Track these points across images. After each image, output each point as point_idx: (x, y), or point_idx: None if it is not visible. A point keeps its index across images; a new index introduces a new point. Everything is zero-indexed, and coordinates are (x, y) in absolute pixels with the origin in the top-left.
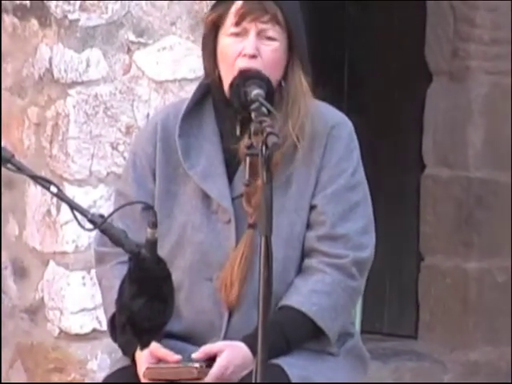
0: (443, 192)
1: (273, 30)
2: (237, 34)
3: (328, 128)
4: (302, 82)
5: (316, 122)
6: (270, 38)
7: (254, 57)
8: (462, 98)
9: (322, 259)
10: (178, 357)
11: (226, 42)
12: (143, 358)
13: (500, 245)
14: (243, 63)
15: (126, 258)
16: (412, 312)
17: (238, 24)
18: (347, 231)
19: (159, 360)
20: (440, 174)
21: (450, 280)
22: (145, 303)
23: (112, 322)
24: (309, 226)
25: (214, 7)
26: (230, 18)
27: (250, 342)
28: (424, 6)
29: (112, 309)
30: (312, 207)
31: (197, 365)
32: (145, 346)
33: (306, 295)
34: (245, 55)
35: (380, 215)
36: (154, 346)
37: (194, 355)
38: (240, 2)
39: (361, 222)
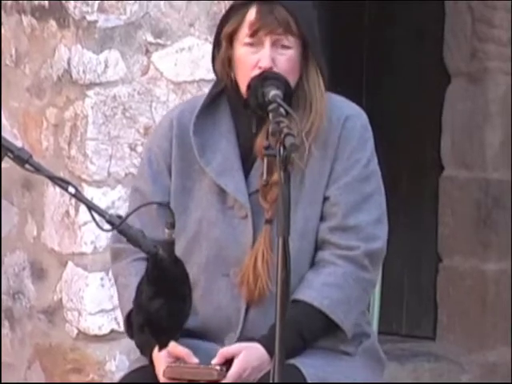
0: (461, 193)
1: (287, 40)
2: (251, 44)
3: (342, 120)
4: (318, 85)
5: (330, 115)
6: (284, 47)
7: (270, 69)
8: (480, 99)
9: (334, 251)
10: (196, 360)
11: (242, 52)
12: (162, 358)
13: None
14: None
15: (141, 254)
16: (430, 313)
17: (252, 36)
18: (359, 222)
19: (177, 359)
20: (458, 175)
21: (468, 281)
22: (163, 304)
23: (128, 319)
24: (322, 218)
25: (226, 19)
26: (244, 29)
27: (266, 342)
28: (442, 7)
29: (128, 306)
30: (325, 199)
31: (217, 367)
32: (163, 346)
33: (318, 289)
34: (261, 67)
35: (398, 217)
36: (172, 345)
37: (214, 361)
38: (253, 15)
39: (374, 212)
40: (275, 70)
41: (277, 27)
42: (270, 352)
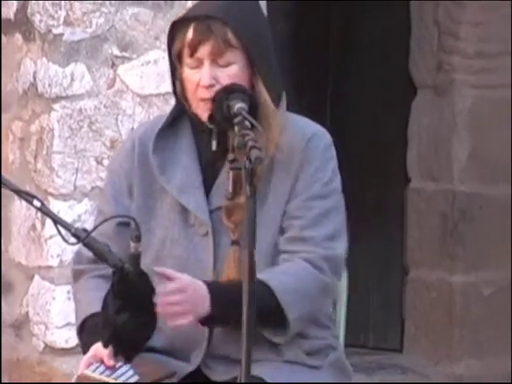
0: (428, 205)
1: (226, 55)
2: (193, 66)
3: (305, 140)
4: (267, 99)
5: (293, 135)
6: (224, 65)
7: (211, 86)
8: (446, 112)
9: (293, 255)
10: (113, 362)
11: (186, 73)
12: (85, 358)
13: (485, 258)
14: (202, 94)
15: (100, 272)
16: (397, 325)
17: (192, 55)
18: (316, 234)
19: (102, 361)
20: (425, 187)
21: (434, 293)
22: (129, 317)
23: (81, 327)
24: (280, 232)
25: (170, 39)
26: (186, 49)
27: (213, 288)
28: (408, 20)
29: (82, 314)
30: (284, 213)
31: None
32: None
33: (276, 273)
34: (202, 86)
35: (365, 228)
36: (97, 344)
37: (156, 268)
38: (190, 33)
39: (330, 227)
40: (217, 86)
41: (215, 43)
42: (213, 298)
